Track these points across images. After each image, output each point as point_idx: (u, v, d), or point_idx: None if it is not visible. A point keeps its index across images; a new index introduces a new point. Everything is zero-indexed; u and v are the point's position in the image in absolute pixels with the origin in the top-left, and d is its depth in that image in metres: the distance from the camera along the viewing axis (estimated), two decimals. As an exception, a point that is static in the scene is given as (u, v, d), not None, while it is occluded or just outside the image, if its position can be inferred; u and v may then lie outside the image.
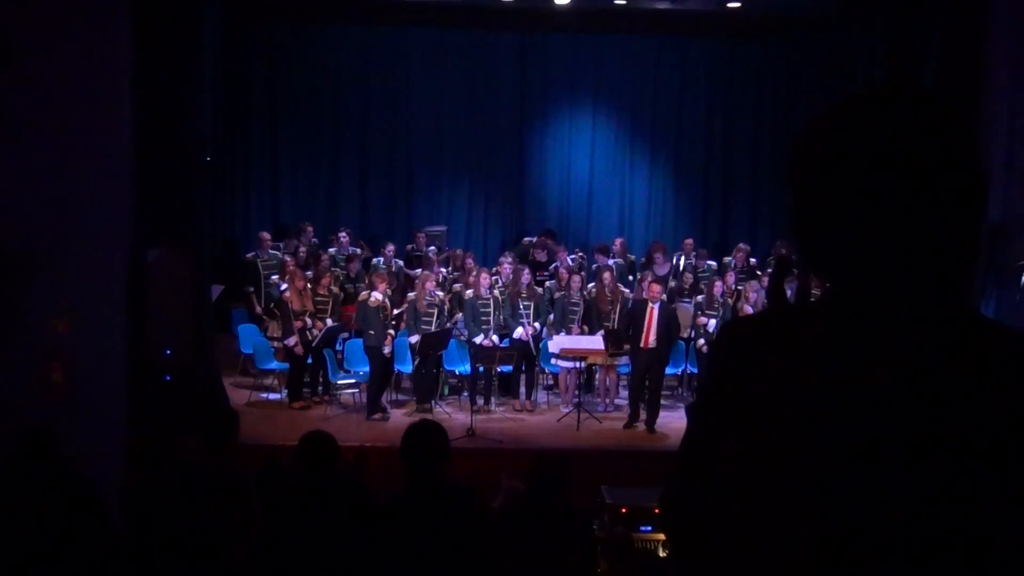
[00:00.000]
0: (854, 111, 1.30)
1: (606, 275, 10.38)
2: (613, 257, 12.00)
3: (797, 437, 1.28)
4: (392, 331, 9.84)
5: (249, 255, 11.70)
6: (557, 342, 9.98)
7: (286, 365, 9.98)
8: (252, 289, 11.26)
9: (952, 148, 1.25)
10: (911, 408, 1.23)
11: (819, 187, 1.29)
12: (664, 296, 10.11)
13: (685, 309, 10.17)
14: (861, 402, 1.25)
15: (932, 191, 1.23)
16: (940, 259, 1.26)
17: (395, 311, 10.19)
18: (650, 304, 9.54)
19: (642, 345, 9.46)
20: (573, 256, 12.13)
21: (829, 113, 1.33)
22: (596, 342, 9.74)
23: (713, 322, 10.00)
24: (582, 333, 10.19)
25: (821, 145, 1.31)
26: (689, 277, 11.23)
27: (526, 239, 12.82)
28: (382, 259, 11.62)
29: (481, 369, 9.90)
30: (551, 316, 10.51)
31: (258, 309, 10.89)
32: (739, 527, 1.34)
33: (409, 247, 12.34)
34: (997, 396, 1.22)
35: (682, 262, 11.73)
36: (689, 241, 12.46)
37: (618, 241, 12.56)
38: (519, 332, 10.12)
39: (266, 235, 11.76)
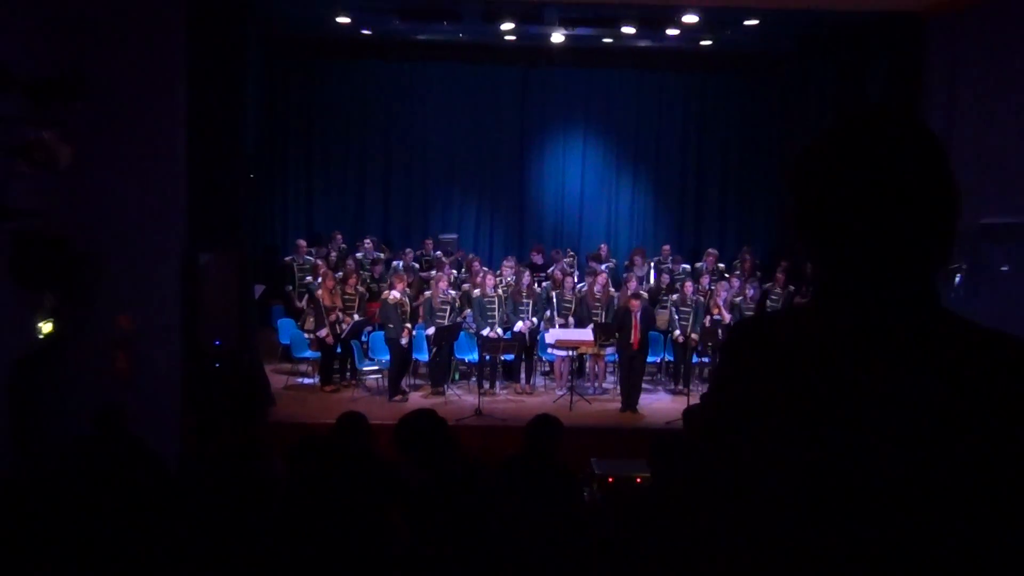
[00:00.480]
0: (851, 131, 1.29)
1: (600, 278, 10.42)
2: (604, 262, 12.02)
3: (788, 425, 1.26)
4: (409, 324, 9.87)
5: (287, 259, 11.75)
6: (553, 334, 10.02)
7: (318, 354, 10.02)
8: (290, 288, 11.31)
9: (931, 165, 1.26)
10: (893, 403, 1.21)
11: (818, 197, 1.29)
12: (644, 293, 10.16)
13: (663, 313, 10.20)
14: (848, 395, 1.23)
15: (914, 202, 1.24)
16: (919, 260, 1.26)
17: (415, 304, 10.22)
18: (633, 313, 9.57)
19: (630, 339, 9.51)
20: (568, 260, 12.14)
21: (829, 132, 1.32)
22: (586, 334, 9.76)
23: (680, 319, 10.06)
24: (566, 325, 10.26)
25: (821, 161, 1.30)
26: (666, 278, 11.25)
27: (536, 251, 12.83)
28: (401, 262, 11.65)
29: (487, 357, 9.93)
30: (547, 312, 10.55)
31: (299, 304, 10.90)
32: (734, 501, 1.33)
33: (418, 252, 12.37)
34: (971, 390, 1.19)
35: (650, 267, 11.69)
36: (666, 248, 12.49)
37: (603, 247, 12.65)
38: (519, 326, 10.15)
39: (302, 242, 11.83)
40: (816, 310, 1.33)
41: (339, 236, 12.46)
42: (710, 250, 12.15)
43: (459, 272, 11.41)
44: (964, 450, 1.18)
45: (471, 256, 11.94)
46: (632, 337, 9.46)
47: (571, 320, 10.37)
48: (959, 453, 1.18)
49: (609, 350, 10.03)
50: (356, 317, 10.10)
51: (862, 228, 1.24)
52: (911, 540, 1.19)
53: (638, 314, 9.48)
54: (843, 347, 1.26)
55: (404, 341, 9.69)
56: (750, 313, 10.08)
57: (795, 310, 1.46)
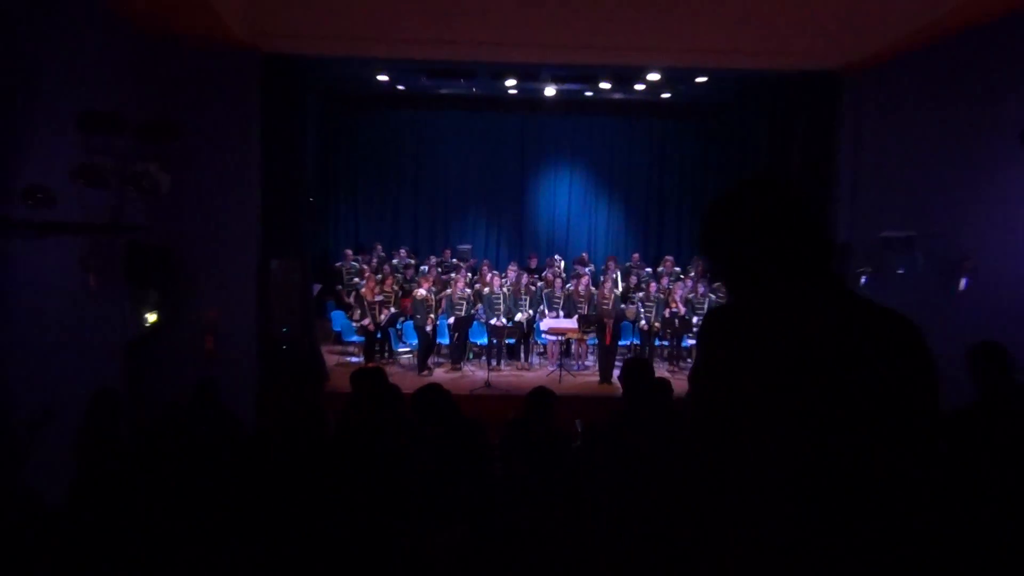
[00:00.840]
0: (744, 193, 1.42)
1: (583, 280, 10.43)
2: (586, 266, 12.02)
3: (753, 388, 1.30)
4: (433, 315, 9.87)
5: (337, 264, 11.74)
6: (546, 323, 10.02)
7: (363, 338, 10.02)
8: (340, 287, 11.31)
9: (800, 215, 1.38)
10: (824, 363, 1.26)
11: (725, 243, 1.40)
12: (617, 292, 10.17)
13: (631, 308, 10.20)
14: (790, 360, 1.27)
15: (796, 236, 1.36)
16: (815, 264, 1.36)
17: (438, 299, 10.22)
18: (607, 321, 9.51)
19: (606, 343, 9.49)
20: (558, 265, 12.14)
21: (725, 196, 1.44)
22: (572, 324, 9.77)
23: (645, 310, 10.05)
24: (556, 317, 10.27)
25: (724, 217, 1.42)
26: (634, 279, 11.24)
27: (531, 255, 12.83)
28: (427, 267, 11.65)
29: (495, 341, 9.94)
30: (541, 306, 10.55)
31: (347, 299, 10.91)
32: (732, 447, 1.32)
33: (441, 259, 12.37)
34: (874, 347, 1.27)
35: (618, 273, 11.64)
36: (636, 255, 12.49)
37: (584, 254, 12.67)
38: (519, 316, 10.15)
39: (349, 252, 11.83)
40: (765, 305, 1.37)
41: (379, 246, 12.45)
42: (668, 257, 12.14)
43: (473, 275, 11.42)
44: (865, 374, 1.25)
45: (484, 262, 11.95)
46: (606, 338, 9.47)
47: (560, 312, 10.37)
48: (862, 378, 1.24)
49: (590, 336, 10.04)
50: (392, 310, 10.11)
51: (775, 254, 1.35)
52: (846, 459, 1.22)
53: (610, 322, 9.49)
54: (785, 327, 1.31)
55: (429, 328, 9.69)
56: (700, 307, 10.09)
57: (748, 303, 1.45)
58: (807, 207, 1.39)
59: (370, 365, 9.70)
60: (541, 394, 4.48)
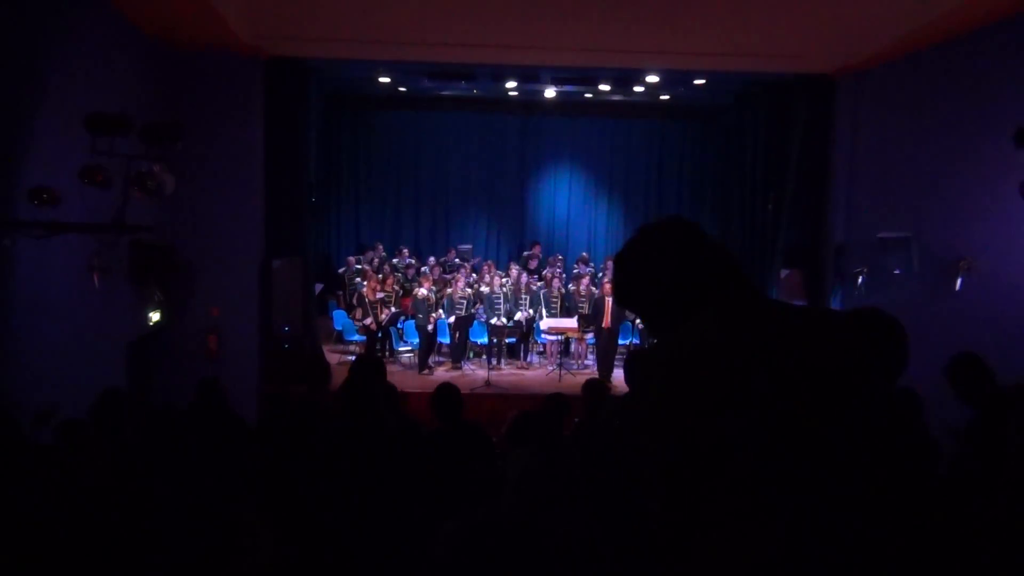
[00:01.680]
0: (644, 237, 1.45)
1: (584, 279, 10.45)
2: (587, 264, 12.04)
3: (735, 396, 1.25)
4: (434, 314, 9.88)
5: (340, 270, 11.79)
6: (545, 322, 10.03)
7: (364, 337, 10.04)
8: (341, 292, 11.33)
9: (702, 239, 1.42)
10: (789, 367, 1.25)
11: (644, 286, 1.42)
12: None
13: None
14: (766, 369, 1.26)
15: (707, 258, 1.39)
16: (737, 279, 1.38)
17: (439, 298, 10.23)
18: (607, 298, 9.60)
19: (604, 326, 9.52)
20: (559, 264, 12.14)
21: (627, 246, 1.46)
22: (572, 323, 9.78)
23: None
24: (554, 316, 10.30)
25: (633, 263, 1.44)
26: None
27: (525, 253, 12.85)
28: (427, 267, 11.66)
29: (495, 340, 9.95)
30: (540, 306, 10.57)
31: (352, 302, 10.91)
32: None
33: (443, 259, 12.39)
34: (828, 349, 1.28)
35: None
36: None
37: (584, 254, 12.68)
38: (519, 316, 10.17)
39: (351, 259, 11.87)
40: (706, 324, 1.35)
41: (380, 246, 12.47)
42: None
43: (476, 275, 11.44)
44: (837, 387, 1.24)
45: (487, 261, 11.96)
46: (605, 321, 9.48)
47: (556, 312, 10.38)
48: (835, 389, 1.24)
49: (589, 335, 10.05)
50: (393, 310, 10.12)
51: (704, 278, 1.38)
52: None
53: (611, 300, 9.53)
54: (752, 338, 1.29)
55: (430, 327, 9.70)
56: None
57: (685, 331, 1.36)
58: (702, 233, 1.44)
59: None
60: (596, 389, 4.48)
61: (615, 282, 1.51)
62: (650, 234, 1.46)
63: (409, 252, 12.41)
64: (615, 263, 1.50)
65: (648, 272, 1.42)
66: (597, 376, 9.50)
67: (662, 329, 1.44)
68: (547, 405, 4.51)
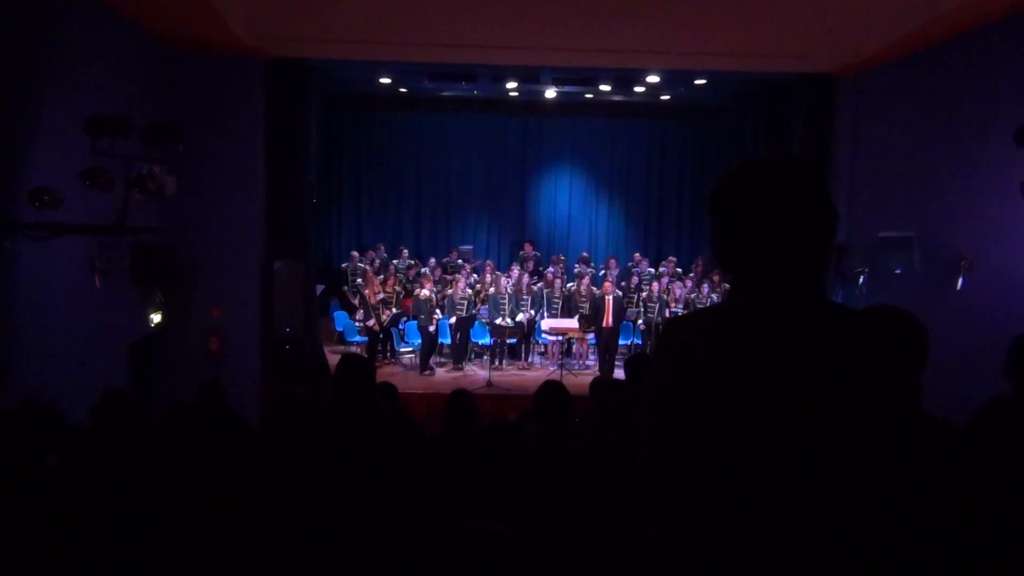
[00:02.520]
0: (754, 171, 1.32)
1: (584, 279, 10.45)
2: (589, 265, 12.03)
3: (719, 397, 1.24)
4: (435, 316, 9.88)
5: (343, 265, 11.76)
6: (547, 322, 10.03)
7: (366, 338, 10.04)
8: (345, 288, 11.31)
9: (813, 197, 1.28)
10: (794, 362, 1.22)
11: (731, 219, 1.31)
12: (617, 291, 10.18)
13: (632, 312, 10.21)
14: (765, 374, 1.22)
15: (802, 224, 1.26)
16: (808, 267, 1.28)
17: (440, 299, 10.23)
18: (607, 297, 9.60)
19: (604, 325, 9.52)
20: (560, 264, 12.12)
21: (737, 170, 1.33)
22: (573, 323, 9.78)
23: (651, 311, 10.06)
24: (555, 316, 10.30)
25: (732, 193, 1.32)
26: (635, 280, 11.25)
27: (520, 253, 12.84)
28: (428, 268, 11.66)
29: (497, 341, 9.95)
30: (541, 307, 10.56)
31: (353, 301, 10.91)
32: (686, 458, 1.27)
33: (445, 260, 12.38)
34: (846, 348, 1.23)
35: (614, 272, 11.64)
36: (637, 255, 12.45)
37: (585, 254, 12.67)
38: (521, 316, 10.17)
39: (355, 253, 11.83)
40: (729, 306, 1.32)
41: (381, 247, 12.46)
42: (671, 257, 12.14)
43: (479, 276, 11.42)
44: (846, 386, 1.20)
45: (488, 262, 11.96)
46: (605, 320, 9.49)
47: (557, 313, 10.37)
48: (844, 388, 1.20)
49: (590, 335, 10.05)
50: (394, 310, 10.12)
51: (762, 245, 1.27)
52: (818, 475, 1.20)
53: (611, 297, 9.55)
54: (758, 328, 1.26)
55: (431, 328, 9.70)
56: (701, 306, 10.09)
57: (717, 310, 1.39)
58: (827, 201, 1.29)
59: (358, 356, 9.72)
60: (553, 389, 4.47)
61: (715, 191, 1.36)
62: (761, 172, 1.31)
63: (410, 253, 12.39)
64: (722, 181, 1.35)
65: (727, 207, 1.32)
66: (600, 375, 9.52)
67: (722, 268, 1.38)
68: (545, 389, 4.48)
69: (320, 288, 10.57)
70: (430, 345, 9.77)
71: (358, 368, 3.24)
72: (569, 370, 9.72)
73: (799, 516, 1.19)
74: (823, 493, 1.19)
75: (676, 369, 1.30)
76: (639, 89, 10.53)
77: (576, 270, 11.51)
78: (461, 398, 3.87)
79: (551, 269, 11.51)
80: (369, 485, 2.89)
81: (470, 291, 10.32)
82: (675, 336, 1.34)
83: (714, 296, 10.29)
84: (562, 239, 13.90)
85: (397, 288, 10.49)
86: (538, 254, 12.72)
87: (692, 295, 10.29)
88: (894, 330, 1.85)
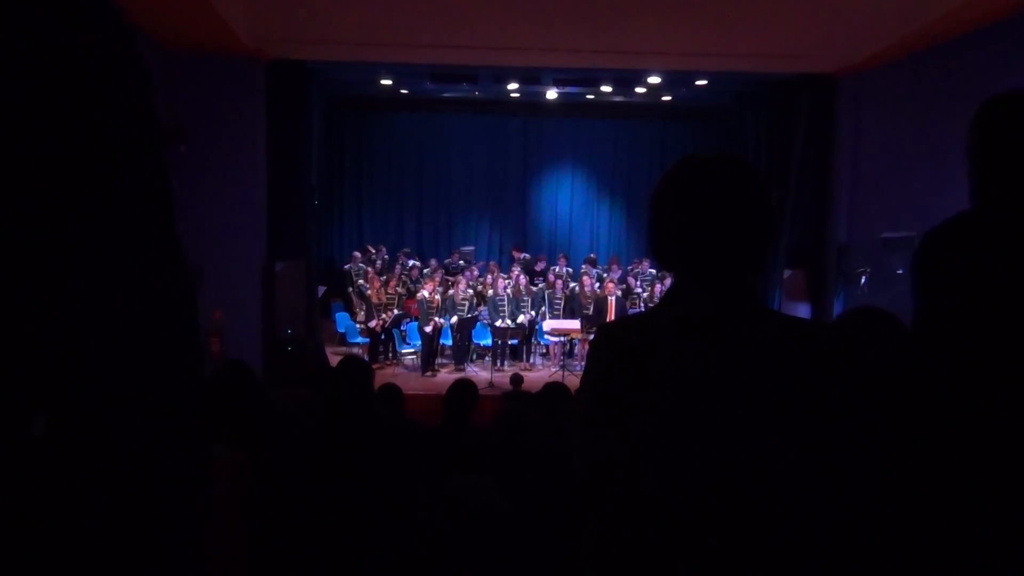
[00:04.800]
0: (690, 169, 1.29)
1: (585, 279, 10.44)
2: (594, 266, 12.01)
3: (648, 407, 1.21)
4: (437, 317, 9.87)
5: (346, 266, 11.76)
6: (548, 324, 10.02)
7: (368, 339, 10.03)
8: (350, 288, 11.31)
9: (746, 197, 1.25)
10: (728, 384, 1.18)
11: (667, 216, 1.28)
12: (619, 292, 10.17)
13: (634, 312, 10.20)
14: (692, 381, 1.19)
15: (735, 224, 1.23)
16: (740, 267, 1.25)
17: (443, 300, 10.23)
18: (609, 298, 9.60)
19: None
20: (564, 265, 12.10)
21: (674, 168, 1.31)
22: (575, 324, 9.77)
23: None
24: (557, 317, 10.29)
25: (670, 190, 1.29)
26: (632, 280, 11.21)
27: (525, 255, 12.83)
28: (429, 269, 11.65)
29: (498, 342, 9.94)
30: (542, 307, 10.56)
31: (356, 301, 10.88)
32: (622, 471, 1.24)
33: (447, 261, 12.37)
34: (773, 359, 1.19)
35: (617, 274, 11.63)
36: (637, 260, 12.41)
37: (591, 256, 12.62)
38: (521, 318, 10.16)
39: (357, 254, 11.83)
40: (658, 311, 1.31)
41: (383, 248, 12.47)
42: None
43: (479, 276, 11.39)
44: (772, 402, 1.16)
45: (490, 263, 11.95)
46: (608, 320, 9.49)
47: (559, 314, 10.36)
48: (769, 404, 1.16)
49: (591, 336, 10.03)
50: (396, 312, 10.12)
51: (687, 247, 1.24)
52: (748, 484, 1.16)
53: (613, 298, 9.55)
54: (676, 335, 1.23)
55: (428, 329, 9.70)
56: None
57: (647, 312, 1.36)
58: (765, 199, 1.26)
59: (374, 367, 9.74)
60: (552, 390, 4.48)
61: (655, 189, 1.32)
62: (693, 171, 1.27)
63: (407, 254, 12.37)
64: (680, 172, 1.31)
65: (658, 208, 1.29)
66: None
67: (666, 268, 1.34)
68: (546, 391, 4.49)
69: (322, 289, 10.57)
70: (432, 346, 9.76)
71: (356, 371, 3.24)
72: (571, 371, 9.71)
73: (721, 531, 1.15)
74: (744, 508, 1.16)
75: (604, 375, 1.28)
76: (640, 90, 10.52)
77: (583, 270, 11.50)
78: (463, 387, 3.87)
79: (555, 268, 11.51)
80: (363, 489, 2.89)
81: (471, 292, 10.31)
82: (604, 341, 1.32)
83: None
84: (563, 240, 13.90)
85: (399, 289, 10.48)
86: (527, 256, 12.62)
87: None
88: (861, 336, 1.78)
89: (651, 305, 10.07)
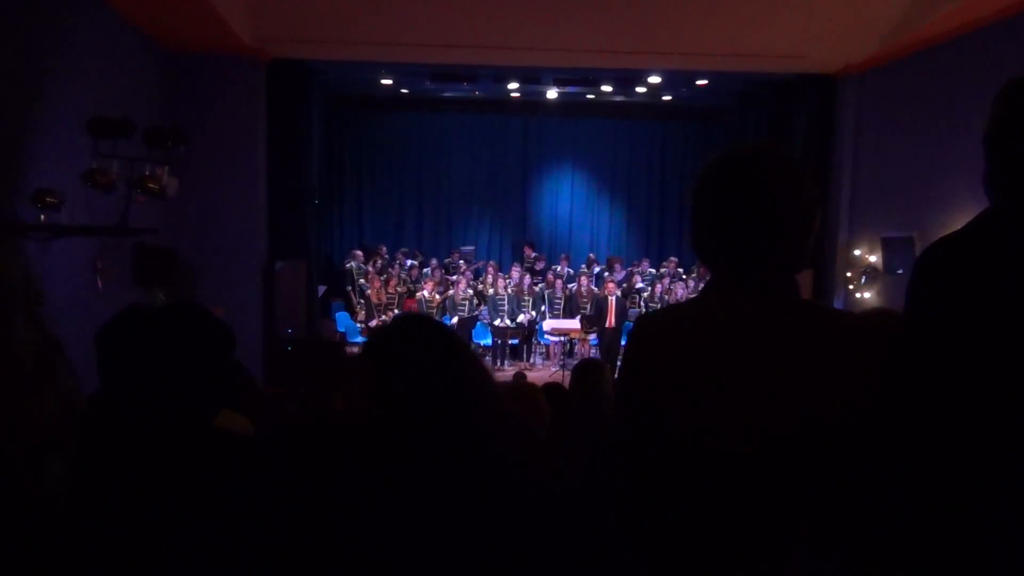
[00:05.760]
0: (730, 162, 1.29)
1: (583, 279, 10.45)
2: (593, 265, 12.03)
3: (687, 394, 1.22)
4: (437, 316, 9.88)
5: (348, 265, 11.76)
6: (548, 323, 10.03)
7: (367, 339, 10.04)
8: (350, 288, 11.31)
9: (786, 191, 1.24)
10: (765, 372, 1.18)
11: (708, 210, 1.28)
12: (619, 292, 10.18)
13: (634, 312, 10.20)
14: (731, 370, 1.20)
15: (772, 221, 1.23)
16: (781, 260, 1.25)
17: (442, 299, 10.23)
18: (610, 297, 9.60)
19: (607, 325, 9.52)
20: (561, 264, 12.12)
21: (716, 162, 1.31)
22: (575, 324, 9.78)
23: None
24: (557, 317, 10.30)
25: (710, 184, 1.30)
26: (638, 279, 11.23)
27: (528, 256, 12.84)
28: (429, 268, 11.66)
29: (498, 341, 9.95)
30: (542, 307, 10.56)
31: (357, 301, 10.87)
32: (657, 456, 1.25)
33: (447, 260, 12.37)
34: (815, 348, 1.19)
35: (619, 275, 11.65)
36: (637, 261, 12.43)
37: (592, 255, 12.64)
38: (521, 317, 10.17)
39: (359, 252, 11.84)
40: (700, 300, 1.31)
41: (383, 248, 12.47)
42: (672, 258, 12.13)
43: (478, 277, 11.41)
44: (810, 391, 1.16)
45: (490, 263, 11.96)
46: (608, 320, 9.48)
47: (559, 314, 10.38)
48: (808, 394, 1.16)
49: (592, 336, 10.04)
50: (396, 311, 10.13)
51: (730, 239, 1.24)
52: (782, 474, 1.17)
53: (613, 298, 9.55)
54: (718, 326, 1.23)
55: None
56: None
57: (687, 303, 1.42)
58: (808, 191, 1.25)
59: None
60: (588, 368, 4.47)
61: (697, 181, 1.32)
62: (734, 164, 1.27)
63: (405, 254, 12.38)
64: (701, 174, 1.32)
65: (701, 200, 1.29)
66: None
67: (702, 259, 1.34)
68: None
69: (322, 289, 10.57)
70: (432, 346, 9.75)
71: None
72: (570, 371, 9.71)
73: (757, 521, 1.17)
74: (783, 500, 1.17)
75: (648, 362, 1.28)
76: (640, 90, 10.53)
77: (583, 269, 11.51)
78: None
79: (555, 267, 11.52)
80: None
81: (471, 291, 10.32)
82: (647, 330, 1.33)
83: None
84: (564, 240, 13.90)
85: (399, 289, 10.50)
86: (540, 255, 12.67)
87: (693, 295, 10.27)
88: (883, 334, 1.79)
89: (652, 305, 10.09)
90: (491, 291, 10.28)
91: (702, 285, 8.14)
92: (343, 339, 10.61)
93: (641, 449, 1.28)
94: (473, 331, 10.15)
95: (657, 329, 1.31)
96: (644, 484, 1.27)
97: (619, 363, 9.04)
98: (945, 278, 1.14)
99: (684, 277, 11.32)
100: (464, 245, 13.07)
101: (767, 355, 1.20)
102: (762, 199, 1.23)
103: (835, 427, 1.16)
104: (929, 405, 1.11)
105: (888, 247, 7.66)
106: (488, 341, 10.06)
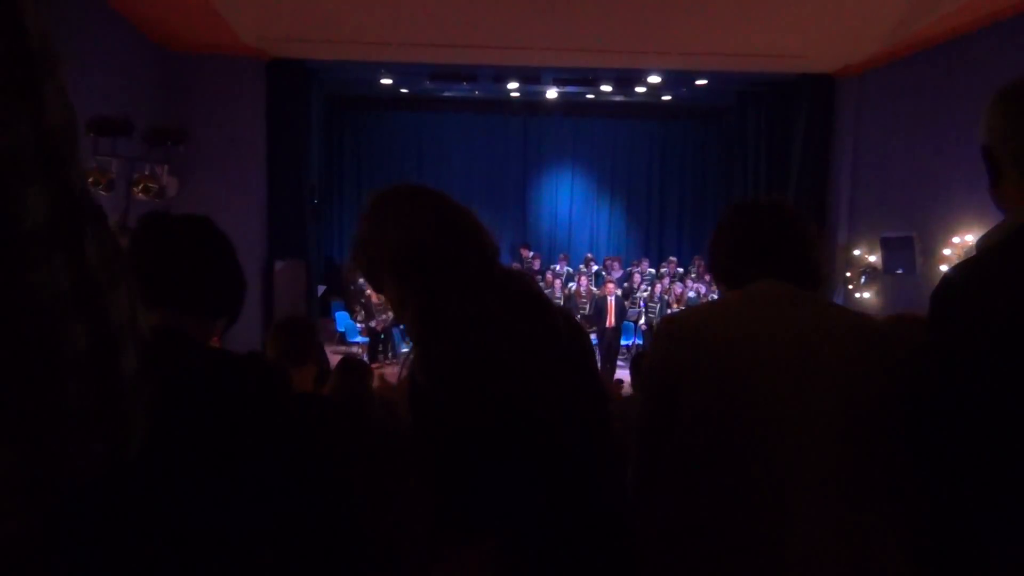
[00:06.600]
0: (743, 210, 1.54)
1: (581, 279, 10.45)
2: (590, 265, 12.03)
3: (714, 390, 1.30)
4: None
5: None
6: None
7: (367, 339, 10.04)
8: (352, 288, 11.29)
9: (792, 236, 1.49)
10: (794, 370, 1.28)
11: (729, 245, 1.50)
12: (619, 292, 10.18)
13: (634, 312, 10.21)
14: (760, 369, 1.29)
15: (784, 252, 1.46)
16: (799, 273, 1.43)
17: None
18: (609, 297, 9.61)
19: (607, 325, 9.53)
20: (560, 263, 12.11)
21: (732, 210, 1.56)
22: (574, 324, 9.78)
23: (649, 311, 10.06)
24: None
25: (727, 230, 1.52)
26: (637, 278, 11.22)
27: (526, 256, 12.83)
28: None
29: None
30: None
31: (358, 302, 10.84)
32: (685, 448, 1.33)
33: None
34: (850, 352, 1.30)
35: (618, 274, 11.65)
36: (637, 261, 12.41)
37: (588, 255, 12.65)
38: (522, 317, 10.17)
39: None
40: (722, 299, 1.48)
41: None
42: (671, 258, 12.14)
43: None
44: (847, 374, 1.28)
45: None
46: (608, 320, 9.49)
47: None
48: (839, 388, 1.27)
49: (592, 336, 10.05)
50: (396, 310, 10.14)
51: (764, 259, 1.45)
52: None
53: (612, 298, 9.56)
54: (757, 312, 1.37)
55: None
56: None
57: (712, 302, 1.63)
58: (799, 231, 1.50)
59: (373, 366, 9.75)
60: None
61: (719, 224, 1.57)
62: (743, 216, 1.53)
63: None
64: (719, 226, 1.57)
65: (728, 242, 1.51)
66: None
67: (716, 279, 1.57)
68: None
69: (321, 289, 10.57)
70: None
71: (354, 371, 3.25)
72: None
73: (792, 509, 1.23)
74: (823, 489, 1.24)
75: (677, 359, 1.36)
76: (640, 89, 10.53)
77: (581, 268, 11.51)
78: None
79: (554, 267, 11.51)
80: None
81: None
82: (671, 327, 1.43)
83: (713, 295, 10.29)
84: (563, 240, 13.91)
85: (399, 289, 10.50)
86: (536, 254, 12.65)
87: (692, 295, 10.29)
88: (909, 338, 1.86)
89: (651, 305, 10.10)
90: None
91: (701, 285, 8.18)
92: (342, 338, 10.63)
93: (680, 442, 1.35)
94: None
95: (684, 326, 1.41)
96: (676, 475, 1.34)
97: (638, 365, 9.04)
98: (975, 296, 1.17)
99: (683, 277, 11.33)
100: (464, 245, 13.05)
101: (806, 349, 1.30)
102: (768, 245, 1.47)
103: (866, 419, 1.26)
104: (958, 420, 1.10)
105: (887, 247, 7.67)
106: (488, 341, 10.07)
